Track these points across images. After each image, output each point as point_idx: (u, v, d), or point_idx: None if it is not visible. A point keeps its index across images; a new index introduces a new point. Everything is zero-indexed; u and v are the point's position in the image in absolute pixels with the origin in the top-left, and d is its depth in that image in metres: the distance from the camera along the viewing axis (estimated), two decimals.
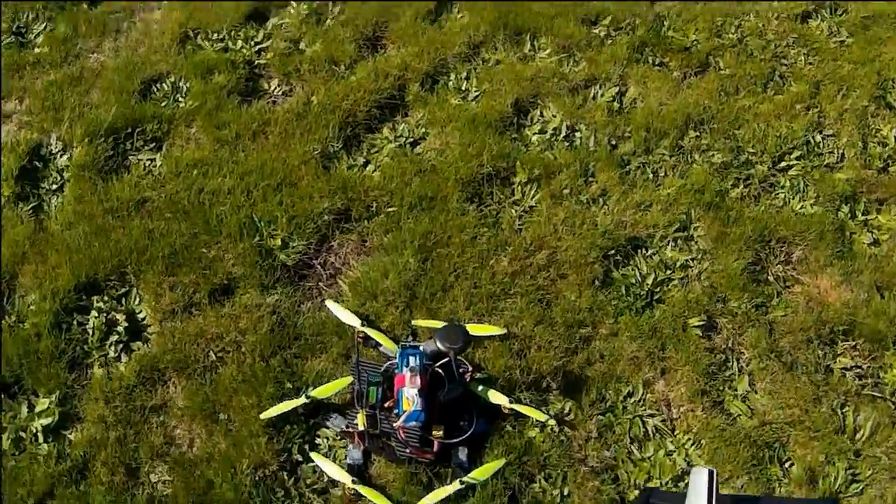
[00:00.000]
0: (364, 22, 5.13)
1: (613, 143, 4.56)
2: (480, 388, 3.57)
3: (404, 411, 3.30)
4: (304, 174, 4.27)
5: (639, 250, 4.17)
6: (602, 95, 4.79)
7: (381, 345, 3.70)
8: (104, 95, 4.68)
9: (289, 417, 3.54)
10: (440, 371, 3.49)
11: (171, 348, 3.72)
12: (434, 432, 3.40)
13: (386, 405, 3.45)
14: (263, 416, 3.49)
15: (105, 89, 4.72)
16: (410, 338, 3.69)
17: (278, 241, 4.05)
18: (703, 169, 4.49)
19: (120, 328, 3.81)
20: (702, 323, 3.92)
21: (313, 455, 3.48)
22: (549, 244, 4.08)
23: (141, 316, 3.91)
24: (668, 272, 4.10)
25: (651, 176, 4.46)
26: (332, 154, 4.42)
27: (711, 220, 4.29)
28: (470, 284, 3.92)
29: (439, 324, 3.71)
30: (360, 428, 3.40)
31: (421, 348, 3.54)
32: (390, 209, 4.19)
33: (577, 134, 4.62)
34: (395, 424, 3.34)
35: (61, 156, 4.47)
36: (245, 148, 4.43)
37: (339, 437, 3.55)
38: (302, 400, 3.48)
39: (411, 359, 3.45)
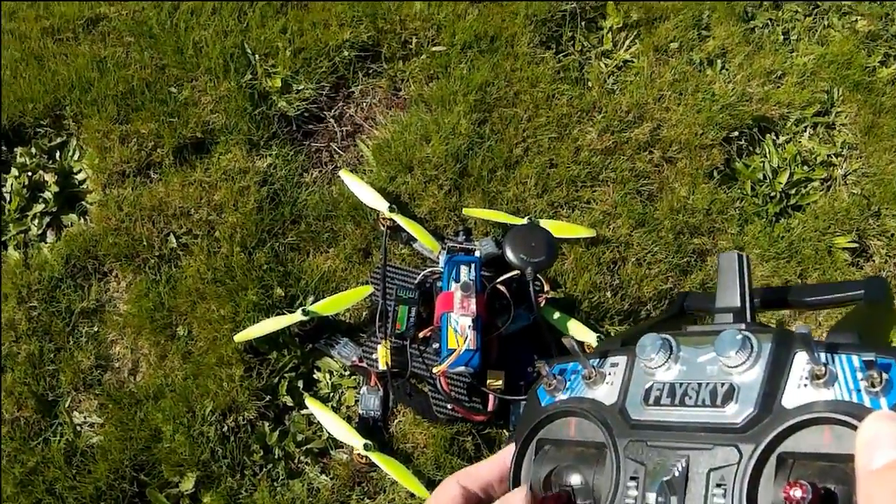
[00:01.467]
0: None
1: None
2: (557, 315, 2.36)
3: (450, 350, 2.11)
4: None
5: (768, 134, 2.95)
6: None
7: (416, 240, 2.46)
8: None
9: (277, 341, 2.37)
10: (502, 289, 2.27)
11: (117, 227, 2.52)
12: (490, 381, 2.22)
13: (421, 335, 2.24)
14: (239, 337, 2.29)
15: None
16: (461, 234, 2.42)
17: (277, 82, 2.78)
18: (845, 37, 3.21)
19: (48, 193, 2.62)
20: (852, 244, 2.78)
21: (308, 400, 2.30)
22: (652, 115, 2.82)
23: (79, 177, 2.68)
24: (807, 169, 2.89)
25: (781, 38, 3.20)
26: None
27: (860, 106, 3.08)
28: (544, 162, 2.67)
29: (500, 215, 2.47)
30: (381, 366, 2.20)
31: (477, 253, 2.30)
32: (436, 48, 2.90)
33: None
34: (434, 369, 2.14)
35: None
36: None
37: (348, 375, 2.35)
38: (297, 316, 2.26)
39: (463, 269, 2.24)
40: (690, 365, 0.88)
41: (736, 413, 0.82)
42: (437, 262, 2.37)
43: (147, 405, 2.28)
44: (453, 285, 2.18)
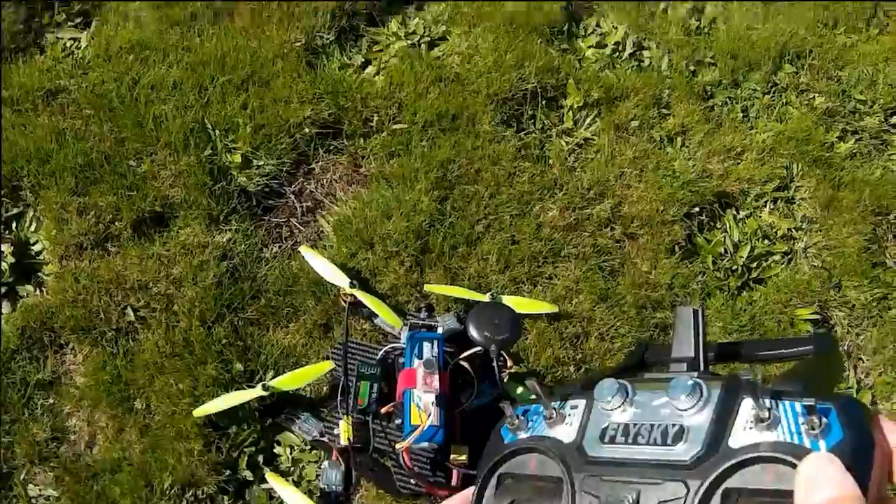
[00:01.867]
0: None
1: (692, 68, 3.29)
2: (520, 390, 2.35)
3: (413, 426, 2.05)
4: (279, 71, 2.97)
5: (728, 210, 2.98)
6: (674, 9, 3.50)
7: (377, 316, 2.42)
8: None
9: (237, 415, 2.30)
10: (465, 364, 2.24)
11: (73, 299, 2.46)
12: (454, 456, 2.16)
13: (383, 410, 2.19)
14: (199, 412, 2.23)
15: None
16: (423, 311, 2.39)
17: (237, 158, 2.76)
18: (803, 114, 3.28)
19: (4, 264, 2.56)
20: (814, 316, 2.79)
21: (269, 475, 2.24)
22: (613, 191, 2.84)
23: (36, 248, 2.62)
24: (768, 243, 2.91)
25: (741, 116, 3.26)
26: (319, 48, 3.11)
27: (819, 180, 3.13)
28: (506, 238, 2.67)
29: (462, 291, 2.46)
30: (343, 441, 2.15)
31: (440, 329, 2.27)
32: (398, 126, 2.90)
33: (646, 53, 3.37)
34: (397, 445, 2.08)
35: None
36: (203, 32, 3.11)
37: (309, 449, 2.30)
38: (258, 391, 2.21)
39: (426, 346, 2.21)
40: (645, 408, 0.93)
41: (685, 451, 0.86)
42: (399, 338, 2.34)
43: (104, 478, 2.21)
44: (416, 362, 2.14)
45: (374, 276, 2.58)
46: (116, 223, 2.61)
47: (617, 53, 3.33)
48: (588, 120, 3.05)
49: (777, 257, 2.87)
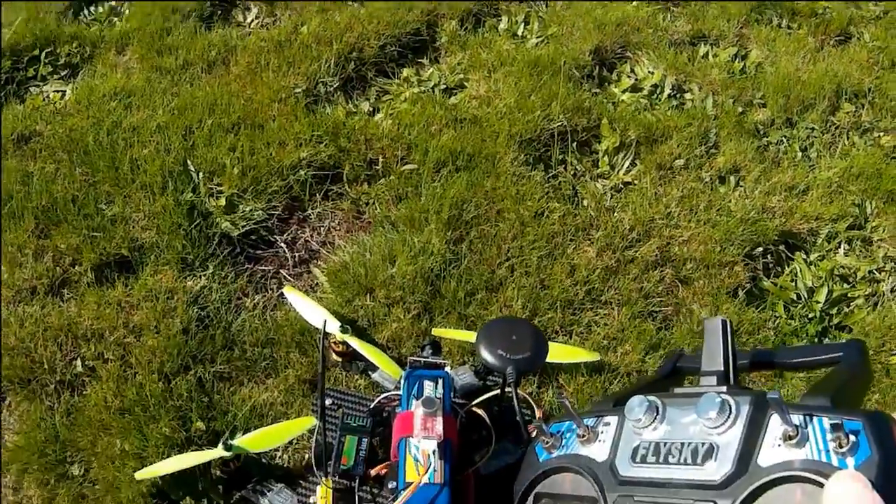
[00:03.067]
0: None
1: (740, 109, 2.83)
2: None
3: (407, 483, 1.52)
4: (275, 114, 2.56)
5: (797, 252, 2.47)
6: (716, 55, 3.09)
7: (374, 368, 1.93)
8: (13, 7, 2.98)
9: (193, 484, 1.78)
10: (481, 413, 1.73)
11: (15, 347, 2.00)
12: None
13: (374, 472, 1.67)
14: (142, 473, 1.72)
15: None
16: (427, 349, 1.90)
17: (222, 202, 2.32)
18: (869, 153, 2.80)
19: None
20: None
21: None
22: (660, 231, 2.36)
23: None
24: (847, 286, 2.39)
25: (799, 155, 2.77)
26: (322, 95, 2.71)
27: None
28: (534, 282, 2.18)
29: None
30: None
31: (448, 369, 1.77)
32: (407, 166, 2.45)
33: (688, 95, 2.93)
34: None
35: None
36: (195, 80, 2.72)
37: None
38: (218, 452, 1.71)
39: (428, 384, 1.70)
40: (675, 425, 0.94)
41: (715, 470, 0.87)
42: (399, 390, 1.83)
43: None
44: (414, 403, 1.63)
45: (372, 325, 2.10)
46: (76, 267, 2.18)
47: (655, 96, 2.89)
48: (626, 163, 2.59)
49: (860, 301, 2.34)
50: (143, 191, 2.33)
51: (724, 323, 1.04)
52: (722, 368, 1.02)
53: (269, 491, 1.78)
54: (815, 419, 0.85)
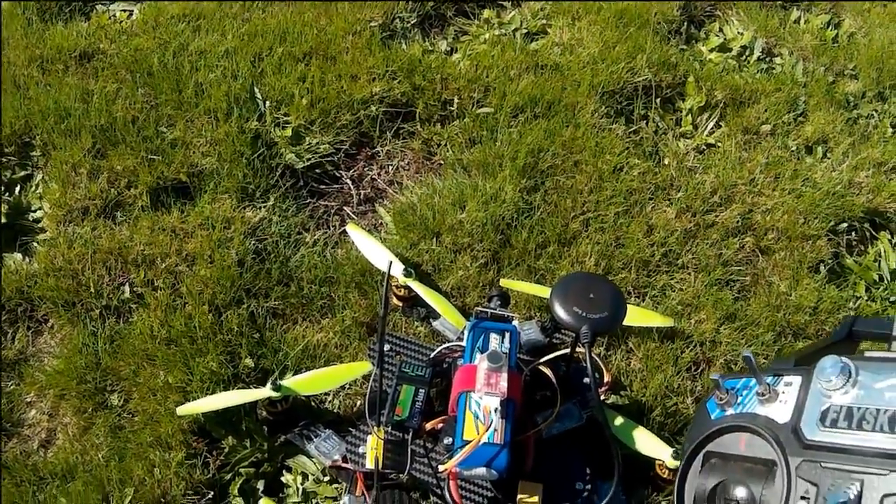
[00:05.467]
0: None
1: (830, 79, 2.62)
2: (620, 421, 1.63)
3: (464, 441, 1.38)
4: (349, 46, 2.40)
5: (882, 232, 2.28)
6: (808, 21, 2.86)
7: (436, 316, 1.79)
8: None
9: (237, 425, 1.66)
10: (547, 372, 1.57)
11: (62, 267, 1.88)
12: (521, 497, 1.50)
13: (429, 426, 1.53)
14: (184, 409, 1.60)
15: None
16: (495, 300, 1.74)
17: (287, 132, 2.17)
18: None
19: None
20: None
21: None
22: (742, 198, 2.17)
23: (36, 215, 2.03)
24: None
25: (890, 131, 2.55)
26: (399, 30, 2.55)
27: None
28: (609, 240, 2.02)
29: (548, 291, 1.75)
30: (369, 464, 1.48)
31: (515, 323, 1.61)
32: (483, 109, 2.28)
33: (778, 60, 2.72)
34: (441, 467, 1.40)
35: None
36: (267, 6, 2.56)
37: (327, 480, 1.64)
38: (265, 392, 1.58)
39: (494, 338, 1.55)
40: (869, 390, 0.85)
41: None
42: (462, 341, 1.68)
43: (51, 486, 1.59)
44: (478, 356, 1.48)
45: (437, 272, 1.95)
46: (131, 189, 2.05)
47: (744, 57, 2.68)
48: (710, 124, 2.40)
49: None
50: (207, 116, 2.19)
51: None
52: None
53: (316, 436, 1.65)
54: None
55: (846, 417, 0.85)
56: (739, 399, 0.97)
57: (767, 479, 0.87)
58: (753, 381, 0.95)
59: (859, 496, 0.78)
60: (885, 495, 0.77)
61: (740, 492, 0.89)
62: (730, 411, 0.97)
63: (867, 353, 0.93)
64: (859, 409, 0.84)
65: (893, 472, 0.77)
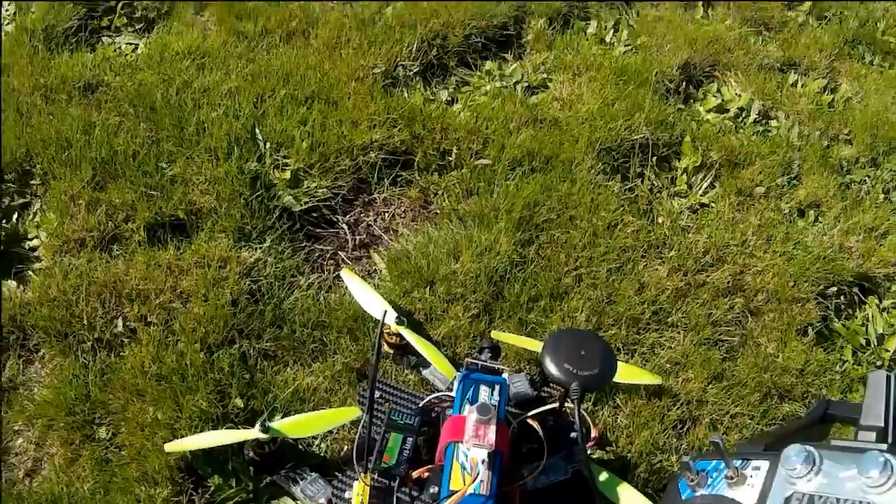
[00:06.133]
0: None
1: (825, 143, 2.66)
2: (605, 476, 1.64)
3: (451, 491, 1.39)
4: (351, 92, 2.43)
5: (870, 296, 2.31)
6: (805, 85, 2.91)
7: (427, 365, 1.80)
8: None
9: (224, 463, 1.65)
10: (534, 425, 1.58)
11: (56, 298, 1.87)
12: None
13: (415, 474, 1.54)
14: (172, 446, 1.60)
15: None
16: (486, 352, 1.73)
17: (286, 175, 2.19)
18: None
19: None
20: None
21: None
22: (734, 259, 2.21)
23: (32, 244, 2.04)
24: None
25: (882, 196, 2.59)
26: (401, 78, 2.58)
27: None
28: (601, 295, 2.03)
29: (539, 344, 1.76)
30: None
31: (505, 375, 1.62)
32: (482, 161, 2.30)
33: (774, 122, 2.77)
34: None
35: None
36: (272, 48, 2.60)
37: None
38: (254, 433, 1.59)
39: (484, 390, 1.56)
40: (832, 479, 0.87)
41: None
42: (452, 392, 1.69)
43: None
44: (467, 408, 1.49)
45: (429, 321, 1.96)
46: (129, 223, 2.07)
47: (741, 119, 2.73)
48: (705, 184, 2.43)
49: None
50: (207, 154, 2.21)
51: (888, 377, 0.98)
52: (882, 425, 0.96)
53: (302, 479, 1.66)
54: None
55: None
56: (710, 481, 0.99)
57: None
58: (723, 464, 0.97)
59: None
60: None
61: None
62: (700, 492, 0.98)
63: (833, 442, 0.96)
64: (821, 497, 0.86)
65: None
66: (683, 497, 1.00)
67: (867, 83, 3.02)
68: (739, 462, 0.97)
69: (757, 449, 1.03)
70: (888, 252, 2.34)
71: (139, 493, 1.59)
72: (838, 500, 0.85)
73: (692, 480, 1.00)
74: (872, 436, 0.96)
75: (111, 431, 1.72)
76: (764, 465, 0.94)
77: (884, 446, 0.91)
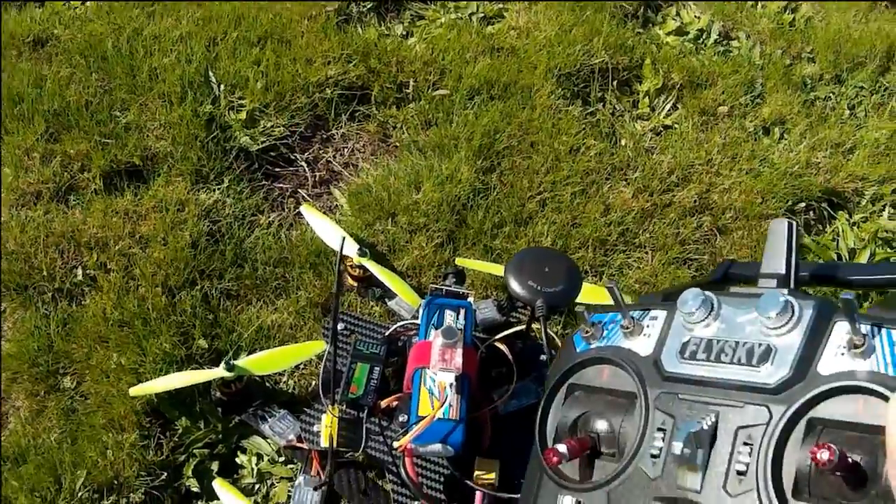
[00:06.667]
0: None
1: (788, 61, 2.63)
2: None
3: (419, 417, 1.36)
4: (304, 30, 2.37)
5: (840, 211, 2.28)
6: (765, 6, 2.88)
7: (392, 295, 1.77)
8: None
9: (191, 407, 1.62)
10: (503, 348, 1.56)
11: (14, 251, 1.83)
12: (479, 474, 1.47)
13: (384, 403, 1.51)
14: (137, 390, 1.57)
15: None
16: (450, 277, 1.71)
17: (242, 116, 2.14)
18: None
19: None
20: None
21: (219, 485, 1.55)
22: (699, 178, 2.18)
23: None
24: (890, 251, 2.21)
25: (847, 112, 2.56)
26: (355, 15, 2.51)
27: None
28: (565, 219, 2.01)
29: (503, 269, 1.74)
30: (323, 442, 1.46)
31: (470, 300, 1.59)
32: (439, 92, 2.26)
33: (735, 43, 2.73)
34: (396, 443, 1.38)
35: None
36: None
37: (282, 461, 1.61)
38: (219, 372, 1.56)
39: (449, 314, 1.53)
40: (730, 323, 0.86)
41: (770, 374, 0.80)
42: (417, 319, 1.66)
43: (3, 469, 1.55)
44: (433, 333, 1.46)
45: (392, 252, 1.93)
46: (84, 173, 2.02)
47: (701, 41, 2.69)
48: (667, 106, 2.40)
49: None
50: (161, 100, 2.16)
51: (790, 225, 0.92)
52: (783, 271, 0.91)
53: (270, 416, 1.63)
54: (884, 330, 0.77)
55: (705, 350, 0.85)
56: (605, 333, 0.96)
57: (628, 412, 0.88)
58: (619, 315, 0.94)
59: (714, 427, 0.79)
60: (740, 427, 0.78)
61: (601, 424, 0.89)
62: (595, 344, 0.95)
63: (732, 289, 0.92)
64: (718, 341, 0.84)
65: (749, 404, 0.78)
66: (578, 350, 0.97)
67: (829, 3, 2.99)
68: (637, 313, 0.94)
69: (656, 300, 1.00)
70: (856, 167, 2.32)
71: (107, 440, 1.57)
72: (737, 343, 0.83)
73: (587, 333, 0.97)
74: (773, 283, 0.92)
75: (76, 380, 1.69)
76: (661, 314, 0.92)
77: (785, 291, 0.88)
